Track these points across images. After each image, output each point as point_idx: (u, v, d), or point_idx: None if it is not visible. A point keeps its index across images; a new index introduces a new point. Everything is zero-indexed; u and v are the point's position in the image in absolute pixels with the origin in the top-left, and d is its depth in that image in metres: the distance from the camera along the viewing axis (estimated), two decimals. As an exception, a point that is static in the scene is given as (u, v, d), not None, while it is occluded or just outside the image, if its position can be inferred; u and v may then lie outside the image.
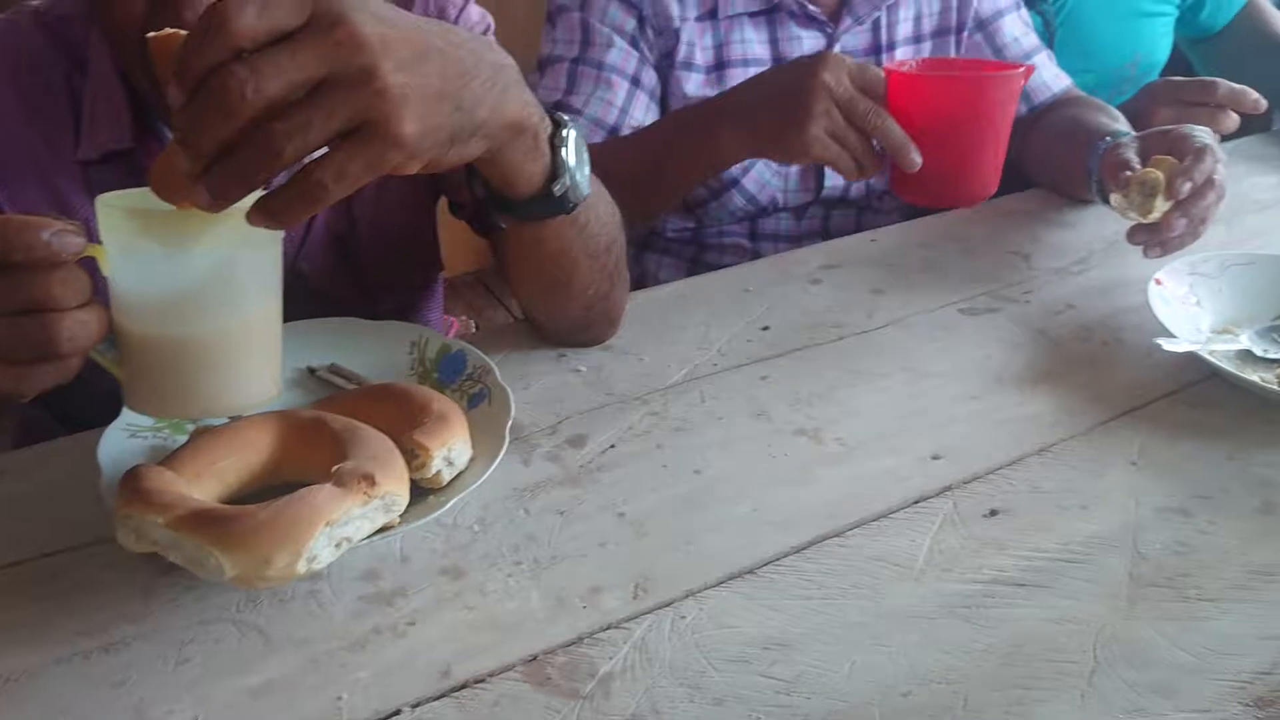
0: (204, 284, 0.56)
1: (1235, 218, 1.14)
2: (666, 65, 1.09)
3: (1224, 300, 0.93)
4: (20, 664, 0.59)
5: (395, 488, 0.61)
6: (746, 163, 1.15)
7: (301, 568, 0.56)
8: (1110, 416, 0.81)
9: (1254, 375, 0.84)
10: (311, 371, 0.79)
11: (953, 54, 1.21)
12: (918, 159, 0.90)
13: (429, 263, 1.01)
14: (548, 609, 0.63)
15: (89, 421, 0.73)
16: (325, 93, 0.48)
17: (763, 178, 1.16)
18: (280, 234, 0.59)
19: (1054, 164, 1.14)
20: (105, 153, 0.80)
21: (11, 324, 0.52)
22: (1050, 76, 1.24)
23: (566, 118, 0.67)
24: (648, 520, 0.70)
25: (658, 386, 0.83)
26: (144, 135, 0.80)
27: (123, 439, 0.70)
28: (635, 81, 1.08)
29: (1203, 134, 0.92)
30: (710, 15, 1.09)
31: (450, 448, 0.66)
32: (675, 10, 1.07)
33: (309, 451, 0.65)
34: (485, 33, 0.92)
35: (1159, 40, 1.45)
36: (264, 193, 0.51)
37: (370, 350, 0.80)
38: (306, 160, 0.49)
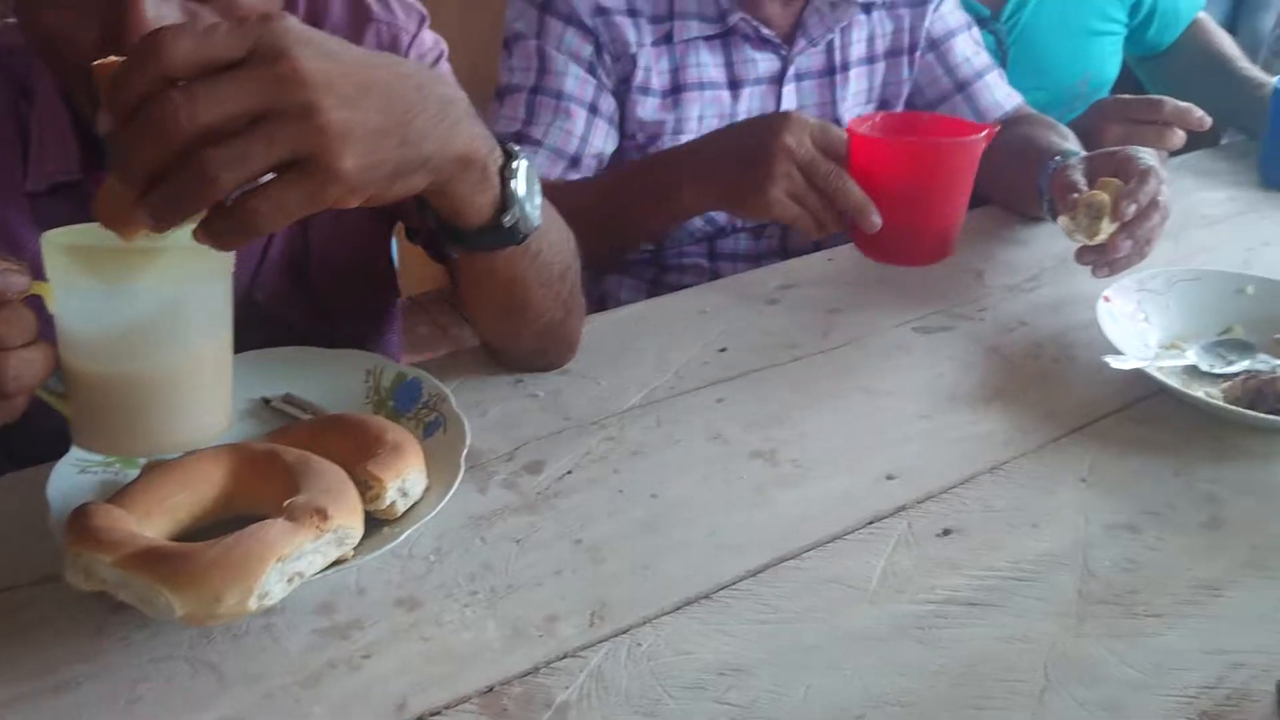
0: (151, 320, 0.55)
1: (1183, 233, 1.17)
2: (624, 90, 1.10)
3: (1171, 316, 0.95)
4: (-33, 707, 0.58)
5: (348, 521, 0.61)
6: (704, 182, 1.16)
7: (253, 605, 0.55)
8: (1061, 434, 0.83)
9: (1200, 391, 0.86)
10: (266, 402, 0.78)
11: (905, 73, 1.22)
12: (877, 220, 0.91)
13: (385, 288, 1.01)
14: (504, 639, 0.63)
15: (36, 458, 0.73)
16: (265, 125, 0.48)
17: (720, 198, 1.17)
18: (230, 267, 0.59)
19: (1006, 182, 1.15)
20: (53, 184, 0.79)
21: None
22: (1002, 95, 1.26)
23: (518, 149, 0.67)
24: (604, 546, 0.70)
25: (615, 411, 0.84)
26: (91, 167, 0.80)
27: (72, 474, 0.69)
28: (593, 109, 1.08)
29: (1147, 156, 0.94)
30: (666, 40, 1.10)
31: (405, 478, 0.66)
32: (632, 36, 1.08)
33: (262, 484, 0.65)
34: (439, 59, 0.92)
35: (1109, 58, 1.47)
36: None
37: (325, 379, 0.80)
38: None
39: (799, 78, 1.17)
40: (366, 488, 0.65)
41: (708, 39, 1.11)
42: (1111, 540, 0.72)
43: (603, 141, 1.10)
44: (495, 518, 0.72)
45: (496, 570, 0.68)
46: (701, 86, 1.12)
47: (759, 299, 1.00)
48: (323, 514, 0.59)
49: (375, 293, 1.00)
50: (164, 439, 0.59)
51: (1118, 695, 0.60)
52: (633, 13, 1.08)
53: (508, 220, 0.66)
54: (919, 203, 0.93)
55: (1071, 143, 1.13)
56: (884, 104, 1.23)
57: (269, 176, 0.49)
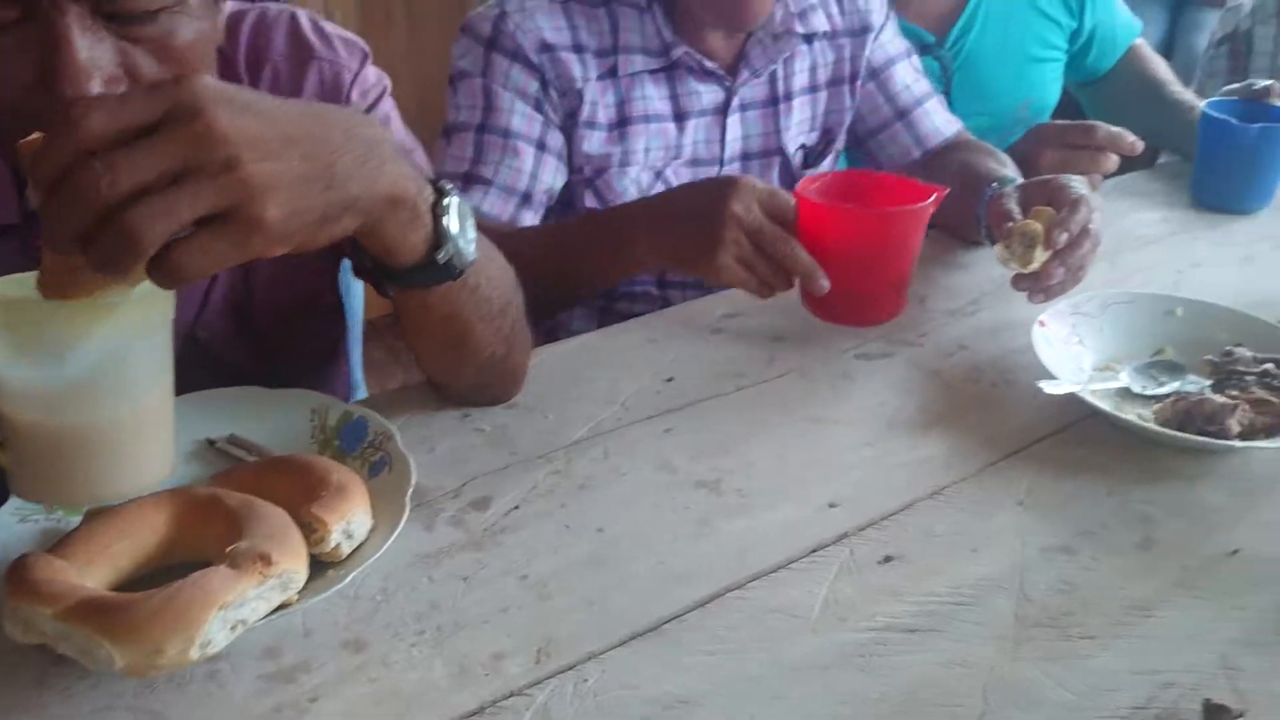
0: (93, 374, 0.56)
1: (1118, 254, 1.20)
2: (570, 125, 1.11)
3: (1105, 338, 0.98)
4: (-97, 765, 0.57)
5: (292, 565, 0.61)
6: (652, 212, 1.18)
7: (195, 654, 0.55)
8: (999, 457, 0.85)
9: (1132, 413, 0.88)
10: (210, 443, 0.78)
11: (847, 102, 1.25)
12: (825, 284, 0.93)
13: (331, 323, 1.01)
14: (450, 678, 0.63)
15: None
16: (187, 181, 0.49)
17: (668, 227, 1.18)
18: (170, 317, 0.59)
19: (946, 208, 1.17)
20: None
21: None
22: (941, 122, 1.28)
23: (449, 185, 0.68)
24: (551, 582, 0.71)
25: (562, 444, 0.84)
26: (32, 212, 0.79)
27: (12, 524, 0.68)
28: (541, 145, 1.09)
29: (1078, 185, 0.96)
30: (611, 74, 1.11)
31: (349, 520, 0.66)
32: (577, 71, 1.09)
33: (205, 530, 0.65)
34: (381, 95, 0.92)
35: (1049, 84, 1.51)
36: None
37: (270, 419, 0.80)
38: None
39: (743, 108, 1.18)
40: (311, 530, 0.65)
41: (652, 72, 1.13)
42: (1047, 563, 0.74)
43: (552, 177, 1.11)
44: (442, 555, 0.73)
45: (443, 609, 0.68)
46: (647, 119, 1.14)
47: (705, 328, 1.02)
48: (266, 559, 0.60)
49: (321, 329, 1.00)
50: (105, 488, 0.59)
51: (1054, 717, 0.62)
52: (578, 48, 1.10)
53: (442, 256, 0.67)
54: (867, 268, 0.95)
55: (1009, 169, 1.16)
56: (827, 131, 1.25)
57: None
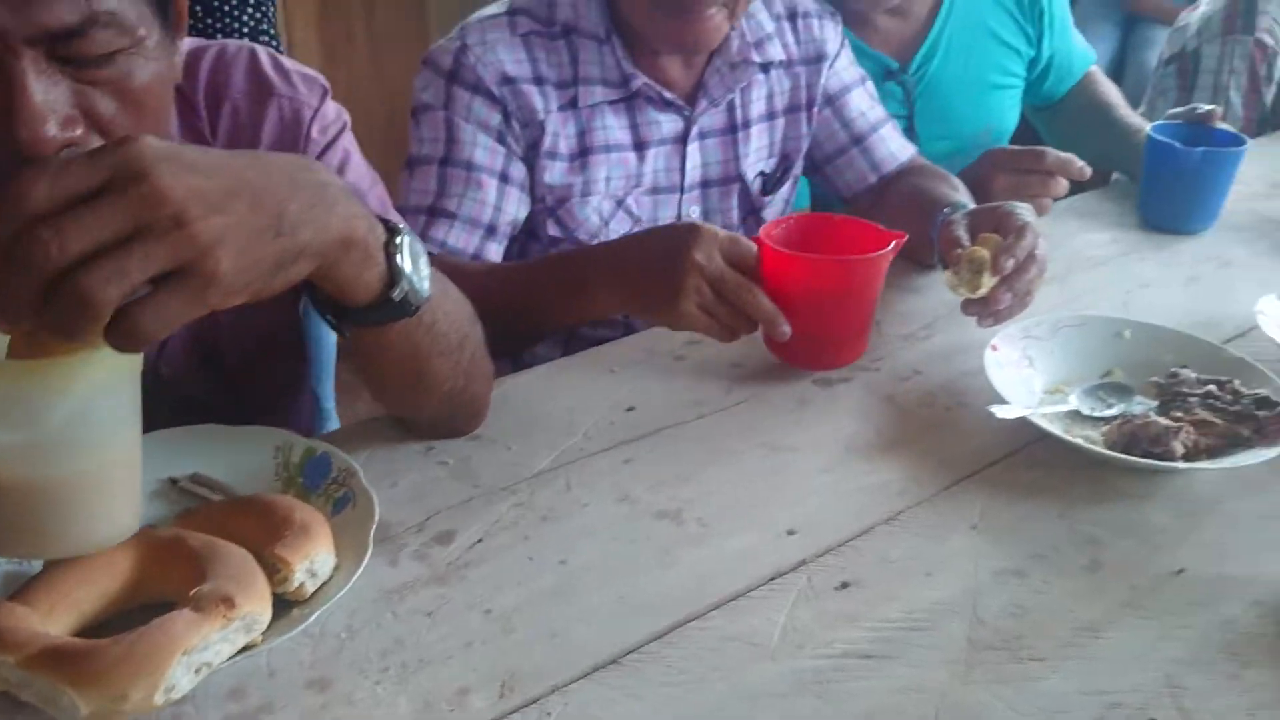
0: (61, 428, 0.56)
1: (1069, 275, 1.23)
2: (532, 155, 1.12)
3: (1055, 361, 1.00)
4: None
5: (256, 607, 0.62)
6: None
7: (159, 699, 0.56)
8: (953, 481, 0.87)
9: (1081, 435, 0.90)
10: (173, 482, 0.78)
11: (804, 128, 1.27)
12: (787, 330, 0.94)
13: (295, 358, 1.01)
14: (415, 715, 0.64)
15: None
16: (138, 242, 0.50)
17: (629, 254, 1.20)
18: (138, 371, 0.60)
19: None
20: None
21: None
22: (896, 147, 1.31)
23: (402, 224, 0.69)
24: (514, 615, 0.72)
25: (525, 475, 0.85)
26: None
27: (-27, 569, 0.68)
28: (504, 178, 1.11)
29: (1024, 211, 0.99)
30: (571, 104, 1.13)
31: (313, 560, 0.67)
32: (539, 103, 1.11)
33: (168, 572, 0.65)
34: (341, 131, 0.93)
35: (1009, 110, 1.55)
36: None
37: (233, 457, 0.80)
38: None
39: (702, 136, 1.20)
40: (274, 570, 0.66)
41: (612, 103, 1.14)
42: (1000, 586, 0.76)
43: (515, 208, 1.12)
44: (406, 591, 0.73)
45: (408, 645, 0.69)
46: (608, 149, 1.15)
47: (665, 355, 1.03)
48: (229, 602, 0.60)
49: (284, 364, 1.01)
50: (71, 543, 0.59)
51: (1004, 740, 0.63)
52: (539, 80, 1.11)
53: (397, 294, 0.68)
54: (828, 313, 0.97)
55: (961, 194, 1.18)
56: (785, 158, 1.28)
57: None
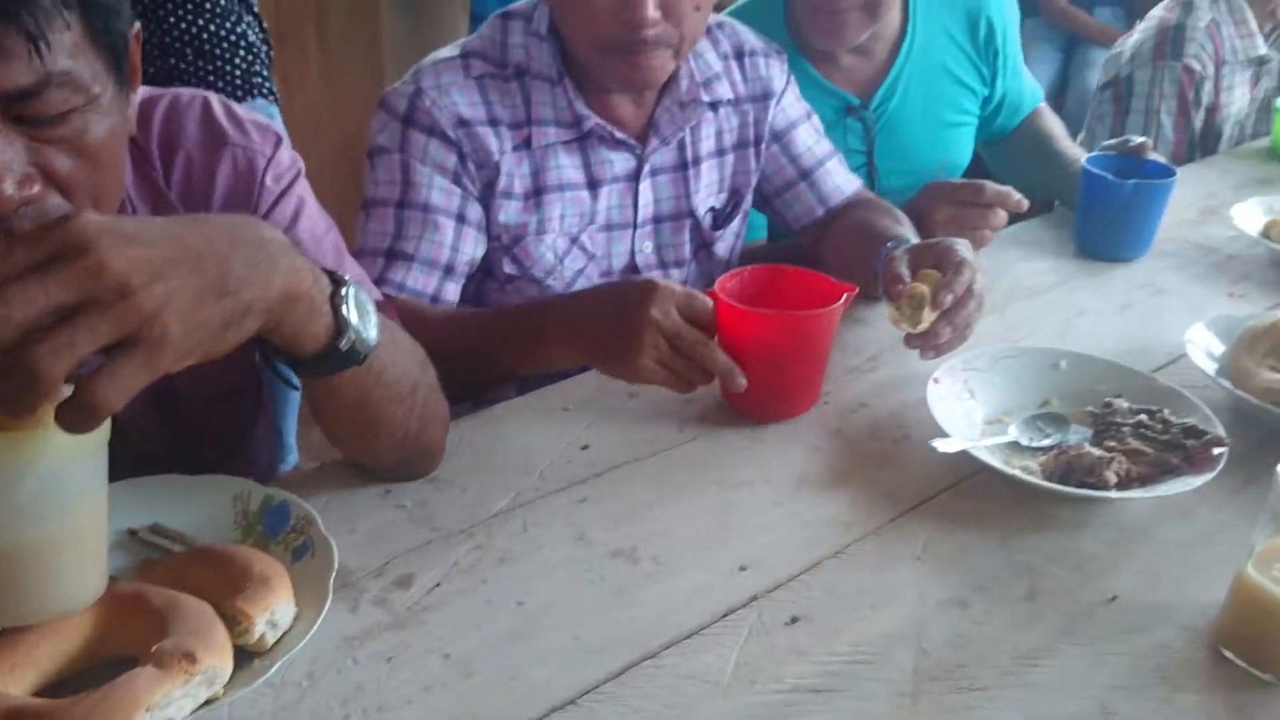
0: (31, 498, 0.57)
1: (1008, 305, 1.27)
2: (488, 195, 1.14)
3: (996, 391, 1.04)
4: None
5: (217, 661, 0.63)
6: (569, 276, 1.21)
7: (122, 757, 0.57)
8: (899, 513, 0.90)
9: (1020, 465, 0.94)
10: (133, 533, 0.79)
11: (753, 164, 1.30)
12: (743, 383, 0.97)
13: (254, 404, 1.02)
14: (376, 762, 0.65)
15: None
16: (85, 314, 0.52)
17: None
18: (106, 437, 0.61)
19: (846, 264, 1.24)
20: None
21: None
22: (842, 180, 1.35)
23: (347, 276, 0.71)
24: (473, 659, 0.73)
25: (482, 517, 0.87)
26: None
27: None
28: (461, 218, 1.12)
29: (963, 248, 1.03)
30: (525, 145, 1.15)
31: (273, 611, 0.68)
32: (493, 145, 1.13)
33: (129, 628, 0.66)
34: (295, 178, 0.94)
35: (964, 146, 1.60)
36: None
37: (192, 507, 0.81)
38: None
39: (654, 173, 1.23)
40: (235, 623, 0.67)
41: (565, 143, 1.16)
42: (943, 616, 0.79)
43: (473, 248, 1.14)
44: (366, 637, 0.75)
45: (368, 691, 0.70)
46: (561, 188, 1.17)
47: (619, 393, 1.05)
48: (191, 657, 0.61)
49: (243, 407, 1.01)
50: (43, 607, 0.60)
51: (946, 770, 0.66)
52: (493, 122, 1.13)
53: (344, 344, 0.70)
54: (783, 366, 0.99)
55: (905, 227, 1.22)
56: (734, 193, 1.31)
57: None
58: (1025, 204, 1.30)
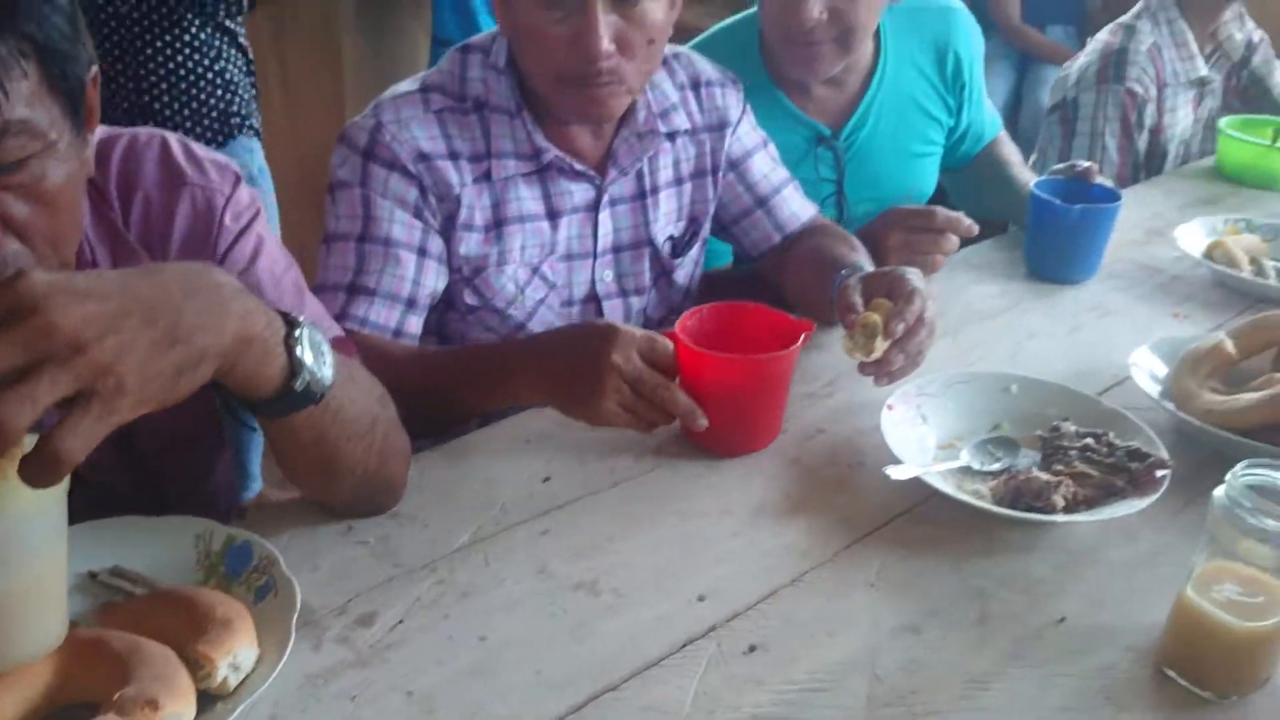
0: None
1: (961, 330, 1.30)
2: (449, 228, 1.15)
3: (948, 416, 1.06)
4: None
5: (179, 707, 0.63)
6: (530, 306, 1.23)
7: (85, 807, 0.57)
8: (854, 539, 0.92)
9: (971, 489, 0.96)
10: (93, 576, 0.79)
11: (710, 193, 1.32)
12: (704, 422, 0.99)
13: (215, 441, 1.02)
14: (340, 802, 0.66)
15: None
16: (41, 370, 0.53)
17: (546, 319, 1.23)
18: (66, 489, 0.62)
19: (803, 291, 1.26)
20: None
21: None
22: (798, 207, 1.37)
23: (301, 319, 0.72)
24: (435, 696, 0.74)
25: (444, 552, 0.88)
26: None
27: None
28: (422, 252, 1.13)
29: (914, 276, 1.05)
30: (485, 177, 1.16)
31: (235, 654, 0.69)
32: (454, 178, 1.14)
33: (91, 674, 0.66)
34: (254, 217, 0.94)
35: (929, 175, 1.64)
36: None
37: (154, 548, 0.81)
38: None
39: (613, 203, 1.25)
40: (198, 667, 0.68)
41: (525, 175, 1.18)
42: (896, 642, 0.81)
43: (435, 280, 1.15)
44: (330, 675, 0.75)
45: (331, 731, 0.71)
46: (522, 219, 1.19)
47: (581, 425, 1.05)
48: (153, 704, 0.62)
49: (203, 448, 1.02)
50: (4, 656, 0.60)
51: (899, 795, 0.68)
52: (453, 155, 1.14)
53: (299, 385, 0.71)
54: (744, 406, 1.01)
55: (860, 254, 1.25)
56: (693, 221, 1.33)
57: None
58: (975, 229, 1.33)
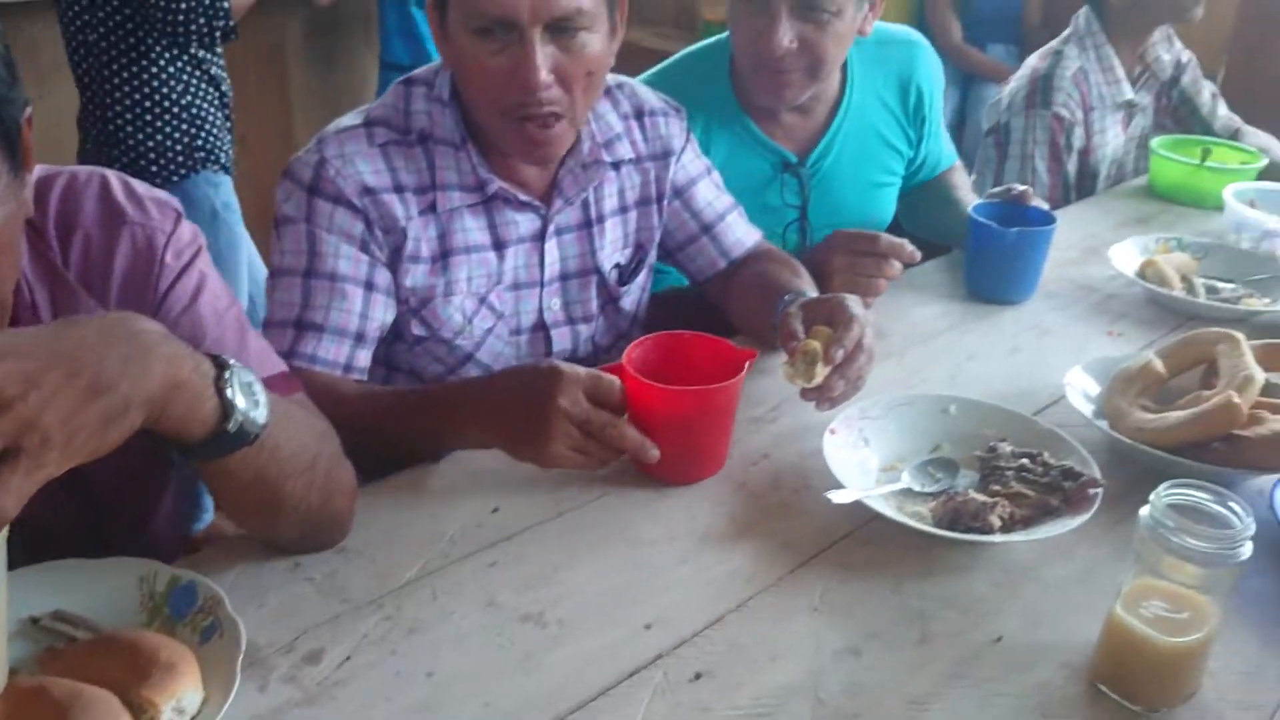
0: None
1: (905, 351, 1.32)
2: (395, 260, 1.16)
3: (890, 438, 1.08)
4: None
5: (122, 754, 0.63)
6: (478, 336, 1.23)
7: None
8: (798, 564, 0.93)
9: (912, 511, 0.98)
10: (34, 621, 0.79)
11: (655, 220, 1.34)
12: (655, 454, 1.00)
13: (158, 481, 1.02)
14: (287, 844, 0.66)
15: None
16: None
17: (494, 349, 1.24)
18: (4, 538, 0.62)
19: (747, 316, 1.28)
20: None
21: None
22: (743, 233, 1.39)
23: (231, 360, 0.72)
24: (383, 733, 0.74)
25: (391, 587, 0.88)
26: None
27: None
28: (369, 285, 1.14)
29: (853, 304, 1.08)
30: (431, 209, 1.17)
31: (179, 698, 0.69)
32: (399, 211, 1.15)
33: (32, 723, 0.66)
34: (196, 254, 0.93)
35: (888, 204, 1.68)
36: None
37: (96, 590, 0.80)
38: None
39: (559, 233, 1.26)
40: (141, 712, 0.68)
41: (470, 206, 1.19)
42: (839, 665, 0.82)
43: (383, 313, 1.16)
44: (277, 716, 0.75)
45: (278, 772, 0.71)
46: (468, 250, 1.20)
47: (528, 462, 1.07)
48: (95, 752, 0.62)
49: (147, 487, 1.01)
50: None
51: (841, 818, 0.69)
52: (398, 189, 1.15)
53: (231, 426, 0.72)
54: (692, 435, 1.03)
55: (803, 279, 1.27)
56: (639, 248, 1.34)
57: None
58: (918, 256, 1.36)
